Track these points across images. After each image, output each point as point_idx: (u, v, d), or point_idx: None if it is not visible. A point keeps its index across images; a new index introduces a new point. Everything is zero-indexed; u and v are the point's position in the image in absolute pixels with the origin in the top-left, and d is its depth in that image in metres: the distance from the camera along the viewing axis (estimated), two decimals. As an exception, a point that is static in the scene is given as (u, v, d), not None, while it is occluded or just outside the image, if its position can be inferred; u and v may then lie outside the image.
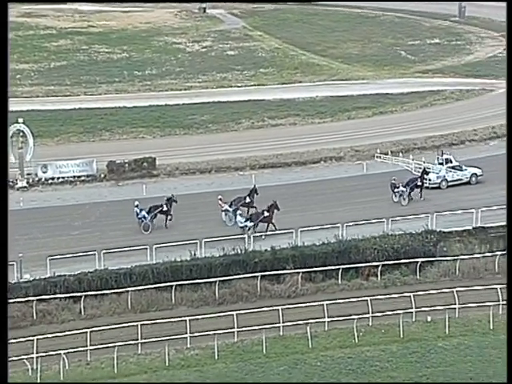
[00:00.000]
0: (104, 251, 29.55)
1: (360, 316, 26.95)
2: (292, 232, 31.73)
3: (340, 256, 30.39)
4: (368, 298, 27.44)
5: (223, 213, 34.77)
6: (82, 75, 61.93)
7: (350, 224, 31.98)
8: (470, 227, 32.70)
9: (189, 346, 25.82)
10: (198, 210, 35.81)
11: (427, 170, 38.77)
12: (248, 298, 28.68)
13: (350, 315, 26.90)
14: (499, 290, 27.63)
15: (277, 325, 26.48)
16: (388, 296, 28.06)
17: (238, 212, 34.06)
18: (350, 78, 62.88)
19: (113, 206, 36.83)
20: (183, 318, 26.18)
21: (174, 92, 57.71)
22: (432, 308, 27.44)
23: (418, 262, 30.35)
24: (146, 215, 34.00)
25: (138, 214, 34.07)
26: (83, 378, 24.37)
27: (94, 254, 29.51)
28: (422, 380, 23.95)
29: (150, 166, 41.03)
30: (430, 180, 38.41)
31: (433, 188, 38.41)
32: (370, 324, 27.13)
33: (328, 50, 73.86)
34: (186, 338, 25.83)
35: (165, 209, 34.42)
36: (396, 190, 36.85)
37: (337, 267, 29.88)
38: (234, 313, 26.46)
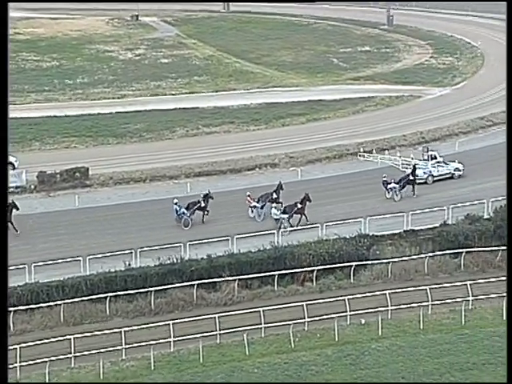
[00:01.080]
0: (34, 264, 28.82)
1: (296, 321, 27.06)
2: (228, 239, 31.67)
3: (276, 262, 30.46)
4: (304, 303, 27.58)
5: (250, 209, 35.85)
6: (10, 84, 60.06)
7: (287, 230, 32.15)
8: (401, 230, 33.33)
9: (124, 357, 25.37)
10: (130, 219, 35.34)
11: (417, 166, 39.78)
12: (184, 306, 28.42)
13: (286, 321, 26.98)
14: (428, 291, 28.22)
15: (213, 333, 26.32)
16: (323, 300, 28.28)
17: (273, 205, 35.23)
18: (283, 85, 63.41)
19: (44, 217, 35.97)
20: (118, 330, 25.74)
21: (107, 101, 57.04)
22: (366, 311, 27.78)
23: (351, 265, 30.72)
24: (186, 211, 34.90)
25: (177, 211, 34.93)
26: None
27: (24, 268, 28.74)
28: (357, 381, 24.21)
29: (83, 176, 40.24)
30: (417, 176, 39.25)
31: (420, 183, 39.37)
32: (306, 329, 27.27)
33: (262, 57, 74.37)
34: (121, 349, 25.40)
35: (202, 205, 35.46)
36: (388, 186, 37.80)
37: (273, 273, 29.95)
38: (170, 322, 26.18)
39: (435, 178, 40.62)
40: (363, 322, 27.69)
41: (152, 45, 77.67)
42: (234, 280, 29.50)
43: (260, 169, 43.37)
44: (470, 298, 28.34)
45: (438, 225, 33.36)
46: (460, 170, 41.11)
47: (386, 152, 45.60)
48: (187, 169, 42.14)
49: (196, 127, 51.16)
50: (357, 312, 27.67)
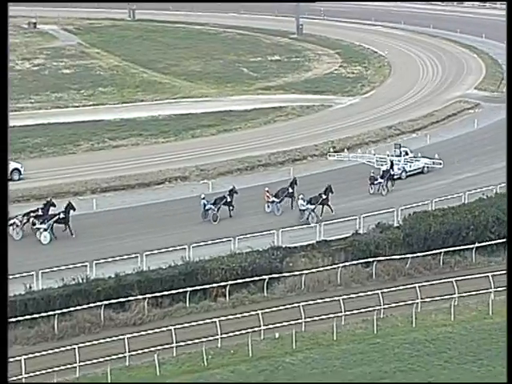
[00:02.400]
0: None
1: (209, 338, 27.06)
2: (137, 257, 31.35)
3: (187, 278, 30.38)
4: (217, 320, 27.63)
5: (267, 204, 37.92)
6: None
7: (201, 244, 32.16)
8: (314, 241, 33.96)
9: (25, 387, 24.62)
10: (28, 239, 34.49)
11: (394, 162, 42.62)
12: (91, 329, 27.88)
13: (199, 338, 26.94)
14: (341, 302, 28.86)
15: (123, 355, 25.95)
16: (236, 316, 28.43)
17: (300, 196, 37.14)
18: (193, 96, 63.42)
19: None
20: (18, 358, 24.94)
21: (5, 114, 55.35)
22: (280, 324, 28.12)
23: (265, 279, 31.03)
24: (213, 206, 36.86)
25: (205, 206, 36.90)
26: None
27: None
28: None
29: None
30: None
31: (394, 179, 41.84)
32: (220, 346, 27.30)
33: (170, 67, 74.11)
34: (21, 378, 24.62)
35: (228, 200, 37.46)
36: (376, 182, 40.25)
37: (184, 290, 29.86)
38: (76, 346, 25.63)
39: (408, 174, 43.37)
40: (277, 335, 27.99)
41: (52, 54, 75.95)
42: (144, 298, 29.23)
43: (170, 182, 43.15)
44: (382, 307, 29.17)
45: (349, 234, 34.20)
46: (428, 166, 44.18)
47: (359, 150, 47.86)
48: (93, 184, 41.42)
49: (102, 140, 50.40)
50: (271, 326, 27.94)
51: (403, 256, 32.95)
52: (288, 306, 29.07)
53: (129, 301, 29.21)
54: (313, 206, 36.78)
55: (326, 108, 61.43)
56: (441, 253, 33.20)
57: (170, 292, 29.66)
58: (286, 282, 31.63)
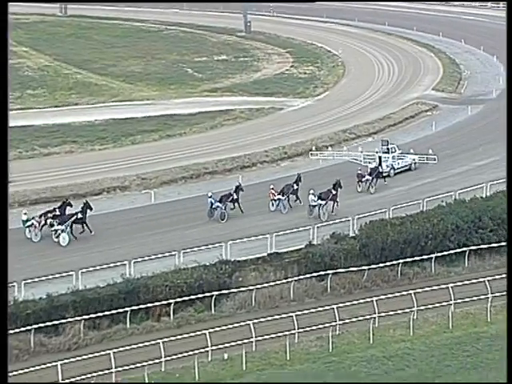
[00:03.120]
0: None
1: (152, 362, 26.87)
2: (72, 275, 30.97)
3: (128, 297, 30.13)
4: (160, 341, 27.47)
5: (271, 202, 39.66)
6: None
7: (139, 260, 31.95)
8: (265, 254, 34.09)
9: None
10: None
11: (382, 158, 44.46)
12: (19, 356, 27.34)
13: (141, 362, 26.73)
14: (294, 318, 29.02)
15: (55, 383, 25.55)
16: (182, 336, 28.31)
17: (311, 191, 38.84)
18: (133, 99, 63.17)
19: None
20: None
21: None
22: (229, 344, 28.11)
23: (212, 295, 31.00)
24: (220, 204, 38.48)
25: (212, 204, 38.57)
26: None
27: None
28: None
29: None
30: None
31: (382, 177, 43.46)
32: (163, 369, 27.13)
33: (107, 67, 73.70)
34: None
35: (235, 197, 39.21)
36: (363, 179, 41.88)
37: (125, 310, 29.61)
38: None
39: (396, 171, 45.29)
40: (226, 356, 27.97)
41: (-25, 54, 74.57)
42: (80, 320, 28.87)
43: (108, 192, 42.80)
44: (338, 323, 29.44)
45: (303, 246, 34.45)
46: (416, 162, 46.24)
47: (344, 148, 50.36)
48: (21, 196, 40.72)
49: (31, 148, 49.75)
50: (219, 346, 27.92)
51: (360, 268, 33.34)
52: (237, 325, 29.08)
53: (62, 323, 28.79)
54: (324, 202, 38.60)
55: (276, 111, 61.88)
56: (399, 264, 33.70)
57: (108, 312, 29.34)
58: (235, 298, 31.66)
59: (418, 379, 26.54)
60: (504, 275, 31.72)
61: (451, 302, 30.71)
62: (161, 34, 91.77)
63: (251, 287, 31.77)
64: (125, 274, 31.28)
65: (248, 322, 28.82)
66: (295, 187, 40.71)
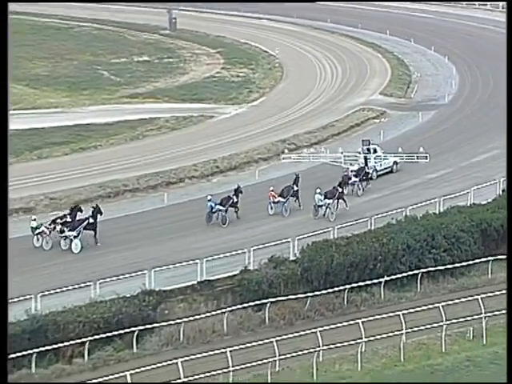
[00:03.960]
0: None
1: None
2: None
3: (34, 337, 29.62)
4: (72, 386, 27.17)
5: (270, 205, 41.95)
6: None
7: (46, 294, 31.52)
8: (195, 282, 34.12)
9: None
10: None
11: (368, 159, 47.38)
12: None
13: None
14: (228, 354, 29.10)
15: None
16: (98, 380, 28.04)
17: (317, 190, 41.24)
18: (38, 106, 62.58)
19: None
20: None
21: None
22: (152, 386, 28.00)
23: (134, 331, 30.85)
24: (222, 208, 40.65)
25: (212, 208, 40.74)
26: None
27: None
28: None
29: None
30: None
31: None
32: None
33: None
34: None
35: (235, 200, 41.37)
36: (350, 181, 43.75)
37: (29, 352, 29.10)
38: None
39: (379, 173, 47.68)
40: (150, 400, 27.84)
41: None
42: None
43: (10, 215, 42.12)
44: (277, 358, 29.65)
45: (238, 272, 34.61)
46: (398, 164, 48.86)
47: (323, 148, 52.70)
48: None
49: None
50: (141, 390, 27.75)
51: (301, 295, 33.65)
52: (163, 364, 28.98)
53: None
54: (330, 201, 40.91)
55: (206, 119, 62.17)
56: (345, 290, 34.15)
57: (10, 356, 28.77)
58: (160, 333, 31.53)
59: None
60: (457, 300, 32.64)
61: (403, 332, 31.25)
62: (71, 31, 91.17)
63: (179, 320, 31.73)
64: (30, 310, 30.81)
65: (175, 361, 28.72)
66: (295, 188, 42.77)
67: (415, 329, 31.40)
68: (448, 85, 73.92)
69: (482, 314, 32.10)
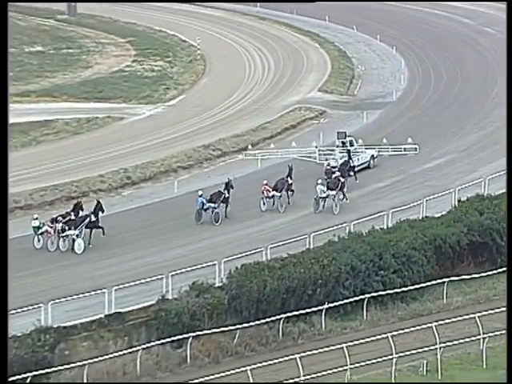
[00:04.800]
0: None
1: None
2: None
3: None
4: None
5: (262, 201, 44.46)
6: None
7: None
8: (102, 315, 33.85)
9: None
10: None
11: (352, 153, 50.08)
12: None
13: None
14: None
15: None
16: None
17: (319, 181, 44.44)
18: None
19: None
20: None
21: None
22: None
23: (27, 377, 30.41)
24: (213, 204, 43.08)
25: (203, 205, 43.08)
26: None
27: None
28: None
29: None
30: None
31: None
32: None
33: None
34: None
35: (227, 195, 43.84)
36: (333, 176, 45.56)
37: None
38: None
39: (356, 168, 49.65)
40: None
41: None
42: None
43: None
44: (200, 404, 29.66)
45: (154, 302, 34.48)
46: (375, 158, 51.70)
47: (293, 143, 55.40)
48: None
49: None
50: None
51: (229, 328, 33.72)
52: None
53: None
54: (334, 192, 43.85)
55: (114, 122, 62.04)
56: (280, 320, 34.35)
57: None
58: (59, 378, 31.15)
59: None
60: (408, 330, 33.18)
61: (347, 367, 31.55)
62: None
63: (82, 362, 31.42)
64: None
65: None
66: (290, 181, 45.41)
67: (361, 363, 31.73)
68: (396, 80, 75.20)
69: (436, 344, 32.61)
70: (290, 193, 45.53)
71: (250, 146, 55.78)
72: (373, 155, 51.93)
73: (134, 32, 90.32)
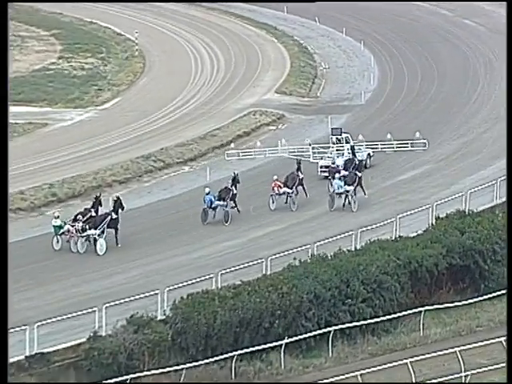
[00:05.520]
0: None
1: None
2: None
3: None
4: None
5: (271, 199, 47.38)
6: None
7: None
8: (22, 357, 33.42)
9: None
10: None
11: (355, 150, 52.42)
12: None
13: None
14: None
15: None
16: None
17: (336, 175, 47.51)
18: None
19: None
20: None
21: None
22: None
23: None
24: (221, 203, 45.69)
25: (211, 203, 45.47)
26: None
27: None
28: None
29: None
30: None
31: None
32: None
33: None
34: None
35: (234, 192, 46.34)
36: (338, 175, 47.97)
37: None
38: None
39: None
40: None
41: None
42: None
43: None
44: None
45: (85, 340, 34.29)
46: (371, 157, 54.50)
47: (283, 140, 57.88)
48: None
49: None
50: None
51: (174, 368, 33.64)
52: None
53: None
54: (352, 187, 46.96)
55: (37, 129, 62.12)
56: (233, 358, 34.37)
57: None
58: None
59: None
60: (379, 367, 33.33)
61: (310, 412, 31.69)
62: None
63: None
64: None
65: None
66: (301, 176, 48.32)
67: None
68: (365, 79, 75.80)
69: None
70: (300, 188, 48.46)
71: (232, 145, 57.44)
72: (369, 154, 54.32)
73: (60, 23, 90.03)
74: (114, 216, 43.06)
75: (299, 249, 40.32)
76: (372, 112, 67.05)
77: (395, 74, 77.54)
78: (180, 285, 36.94)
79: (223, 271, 38.16)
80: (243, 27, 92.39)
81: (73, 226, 42.55)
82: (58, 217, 43.27)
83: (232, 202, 46.38)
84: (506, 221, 40.88)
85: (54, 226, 42.95)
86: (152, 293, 36.44)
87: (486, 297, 39.00)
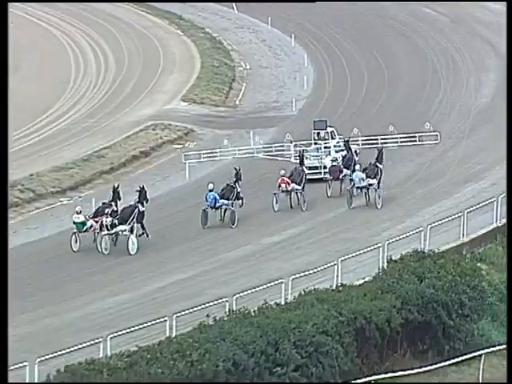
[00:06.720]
0: None
1: None
2: None
3: None
4: None
5: (275, 197, 51.74)
6: None
7: None
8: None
9: None
10: None
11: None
12: None
13: None
14: None
15: None
16: None
17: (357, 167, 52.76)
18: None
19: None
20: None
21: None
22: None
23: None
24: (227, 201, 49.65)
25: (215, 202, 49.36)
26: None
27: None
28: None
29: None
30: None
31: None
32: None
33: None
34: None
35: (238, 190, 50.45)
36: (341, 176, 53.99)
37: None
38: None
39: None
40: None
41: None
42: None
43: None
44: None
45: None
46: (358, 154, 57.74)
47: (257, 138, 61.56)
48: None
49: None
50: None
51: None
52: None
53: None
54: (375, 181, 52.03)
55: None
56: None
57: None
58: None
59: None
60: None
61: None
62: None
63: None
64: None
65: None
66: (306, 171, 53.21)
67: None
68: (296, 83, 76.36)
69: None
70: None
71: (190, 145, 60.54)
72: (355, 151, 57.31)
73: None
74: (142, 208, 46.76)
75: (212, 303, 40.30)
76: (305, 125, 67.01)
77: (335, 76, 78.36)
78: (55, 354, 36.53)
79: (114, 334, 38.00)
80: (140, 16, 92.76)
81: (97, 222, 46.00)
82: (81, 212, 46.31)
83: (237, 200, 50.63)
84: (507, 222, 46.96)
85: (75, 222, 46.37)
86: (19, 365, 35.92)
87: (451, 361, 39.19)
